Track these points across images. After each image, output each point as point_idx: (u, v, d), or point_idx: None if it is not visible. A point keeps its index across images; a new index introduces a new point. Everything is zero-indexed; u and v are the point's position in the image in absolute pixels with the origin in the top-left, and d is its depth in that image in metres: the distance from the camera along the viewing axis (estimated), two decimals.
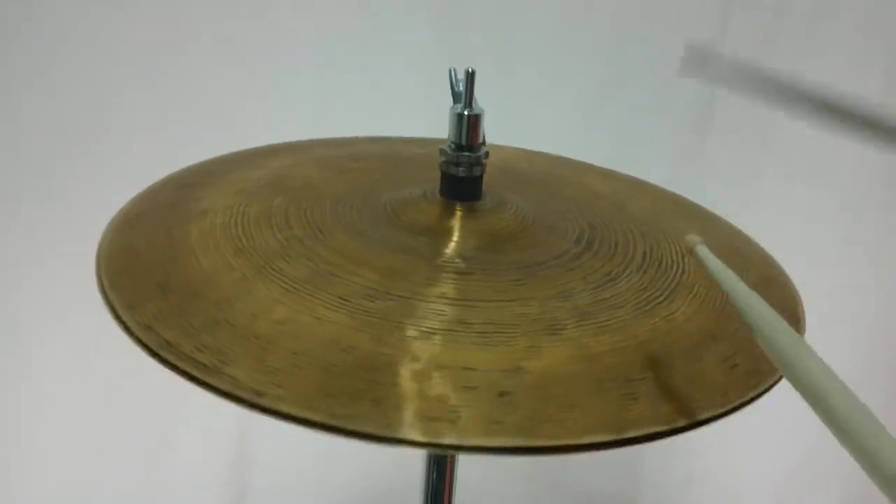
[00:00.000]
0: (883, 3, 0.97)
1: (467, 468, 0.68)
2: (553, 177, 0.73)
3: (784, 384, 0.47)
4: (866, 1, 0.97)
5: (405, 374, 0.42)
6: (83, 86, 0.95)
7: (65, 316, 0.98)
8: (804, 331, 0.54)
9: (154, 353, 0.43)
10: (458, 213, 0.57)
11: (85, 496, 1.08)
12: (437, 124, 0.60)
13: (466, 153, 0.57)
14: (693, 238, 0.45)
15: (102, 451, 1.06)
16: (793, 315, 0.55)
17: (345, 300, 0.47)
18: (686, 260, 0.57)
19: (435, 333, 0.45)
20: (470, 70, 0.56)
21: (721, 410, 0.44)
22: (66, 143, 0.97)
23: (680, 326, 0.49)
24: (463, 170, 0.57)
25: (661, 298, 0.52)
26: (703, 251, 0.44)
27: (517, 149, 0.77)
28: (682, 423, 0.42)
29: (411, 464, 0.67)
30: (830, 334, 0.77)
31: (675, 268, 0.56)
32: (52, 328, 1.01)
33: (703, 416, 0.43)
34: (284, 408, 0.39)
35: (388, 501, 1.11)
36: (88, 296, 0.51)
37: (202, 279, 0.49)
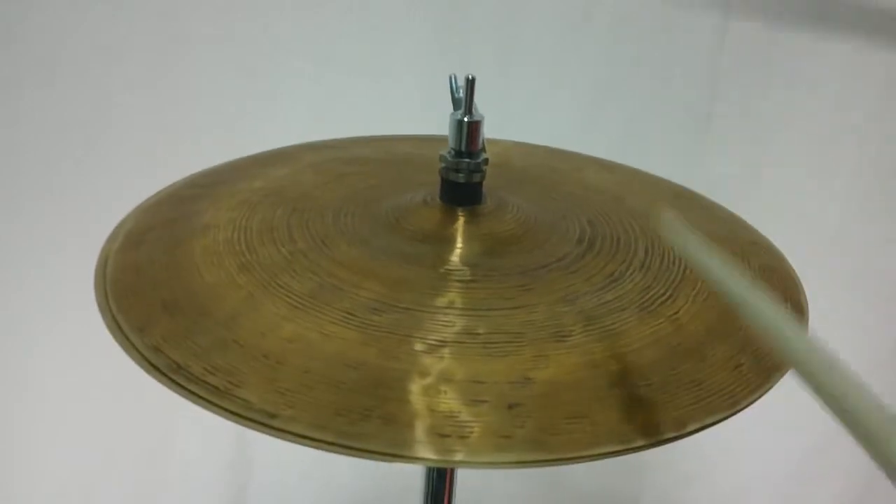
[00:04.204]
0: (883, 3, 0.97)
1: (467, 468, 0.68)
2: (550, 171, 0.72)
3: (782, 384, 0.47)
4: (867, 1, 0.97)
5: (414, 389, 0.42)
6: (83, 86, 0.95)
7: (65, 316, 0.98)
8: (807, 320, 0.54)
9: (165, 376, 0.43)
10: (460, 219, 0.57)
11: (85, 495, 1.08)
12: (436, 124, 0.60)
13: (466, 159, 0.57)
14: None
15: (103, 450, 1.06)
16: (796, 304, 0.56)
17: (351, 314, 0.47)
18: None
19: (442, 346, 0.45)
20: (470, 77, 0.55)
21: (728, 413, 0.44)
22: (67, 143, 0.96)
23: (684, 327, 0.49)
24: (463, 176, 0.57)
25: (665, 297, 0.52)
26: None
27: (513, 142, 0.76)
28: (690, 427, 0.42)
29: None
30: (831, 332, 0.77)
31: (677, 263, 0.56)
32: (52, 328, 1.01)
33: (712, 419, 0.43)
34: (296, 429, 0.39)
35: (388, 501, 1.11)
36: (88, 296, 0.51)
37: (208, 297, 0.49)
